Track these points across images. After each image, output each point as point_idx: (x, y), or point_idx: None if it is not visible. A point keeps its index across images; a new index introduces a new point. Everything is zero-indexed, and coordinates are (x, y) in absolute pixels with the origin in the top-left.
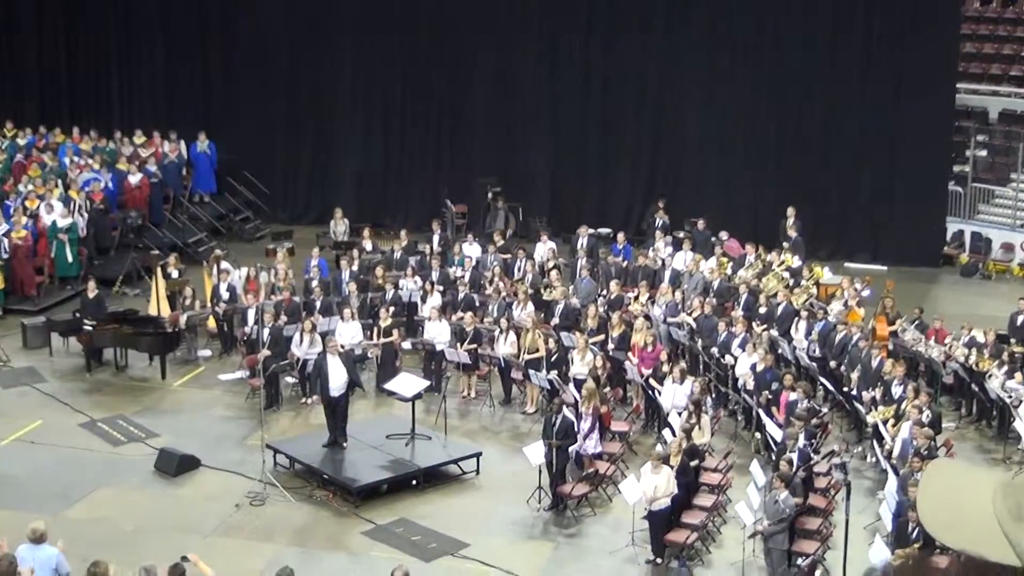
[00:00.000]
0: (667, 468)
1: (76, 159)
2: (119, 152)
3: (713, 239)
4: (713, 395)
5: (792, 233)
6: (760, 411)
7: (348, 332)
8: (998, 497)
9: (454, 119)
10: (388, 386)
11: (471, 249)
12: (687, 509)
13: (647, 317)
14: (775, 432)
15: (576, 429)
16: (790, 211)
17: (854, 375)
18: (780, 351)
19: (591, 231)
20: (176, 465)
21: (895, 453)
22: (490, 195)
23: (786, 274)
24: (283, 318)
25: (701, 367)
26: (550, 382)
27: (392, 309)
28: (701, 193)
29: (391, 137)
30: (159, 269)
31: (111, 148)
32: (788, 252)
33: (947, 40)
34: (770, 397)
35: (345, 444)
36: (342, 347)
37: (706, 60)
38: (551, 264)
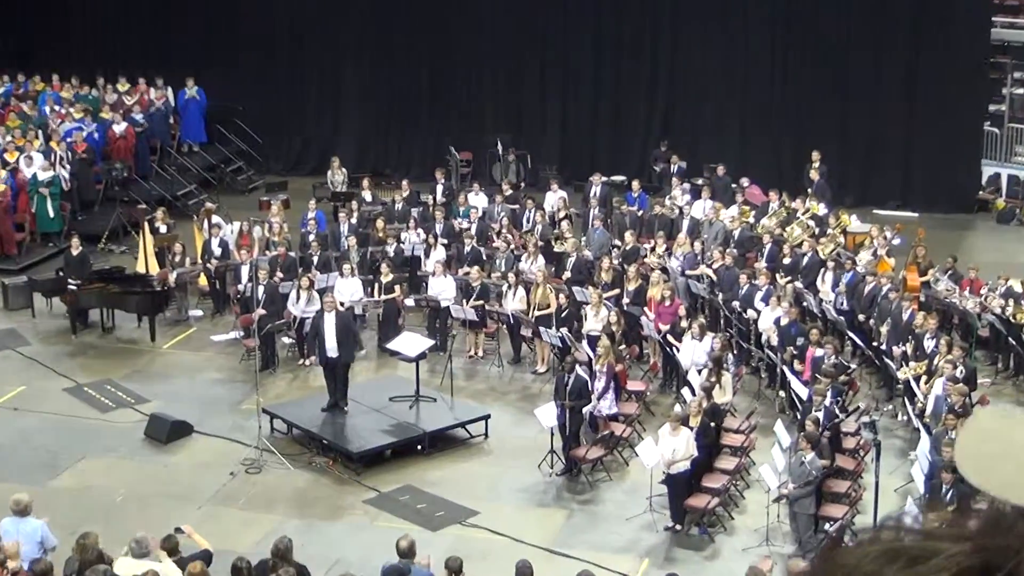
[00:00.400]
0: (686, 429)
1: (57, 108)
2: (102, 100)
3: (734, 186)
4: (735, 351)
5: (816, 178)
6: (784, 368)
7: (348, 289)
8: None
9: (459, 62)
10: (391, 346)
11: (477, 199)
12: (708, 472)
13: (664, 270)
14: (800, 390)
15: (590, 389)
16: (815, 155)
17: (884, 329)
18: (805, 304)
19: (604, 179)
20: (167, 432)
21: (928, 411)
22: (500, 148)
23: (811, 222)
24: (279, 275)
25: (722, 322)
26: (562, 339)
27: (394, 264)
28: (721, 137)
29: (393, 81)
30: (146, 224)
31: (94, 96)
32: (813, 199)
33: None
34: (795, 353)
35: (346, 408)
36: (341, 304)
37: None
38: (562, 214)
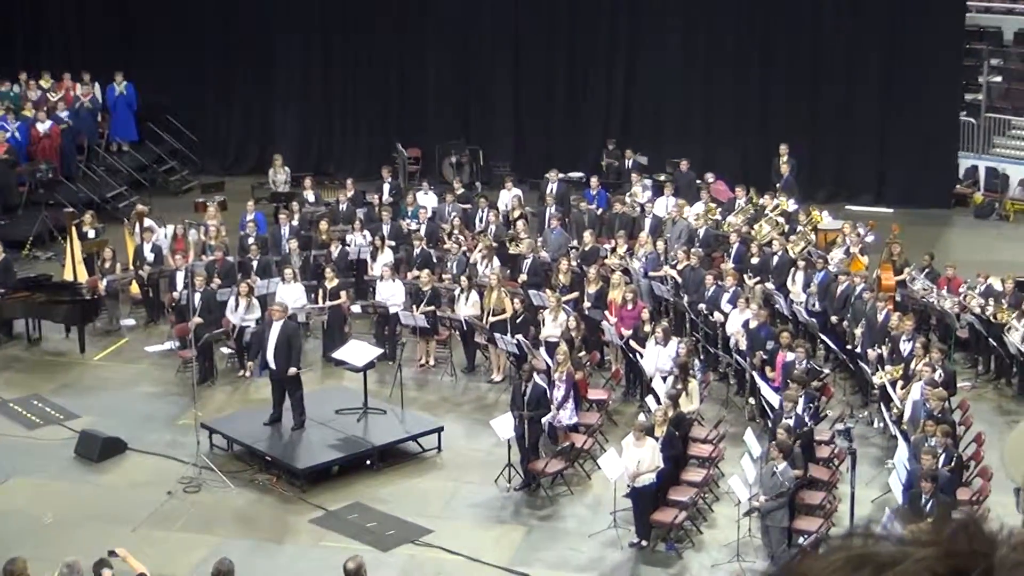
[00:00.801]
0: (651, 440)
1: None
2: (24, 97)
3: (698, 182)
4: (701, 357)
5: (785, 172)
6: (754, 373)
7: (290, 295)
8: None
9: (406, 55)
10: (336, 355)
11: (426, 199)
12: (675, 485)
13: (626, 271)
14: (771, 397)
15: (549, 398)
16: (783, 148)
17: (858, 331)
18: (776, 306)
19: (561, 176)
20: (99, 449)
21: (905, 417)
22: (454, 159)
23: (781, 219)
24: (216, 281)
25: (687, 326)
26: (518, 346)
27: (339, 268)
28: (683, 130)
29: (336, 75)
30: (74, 228)
31: (15, 93)
32: (782, 194)
33: None
34: (765, 358)
35: (297, 426)
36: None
37: None
38: (517, 214)
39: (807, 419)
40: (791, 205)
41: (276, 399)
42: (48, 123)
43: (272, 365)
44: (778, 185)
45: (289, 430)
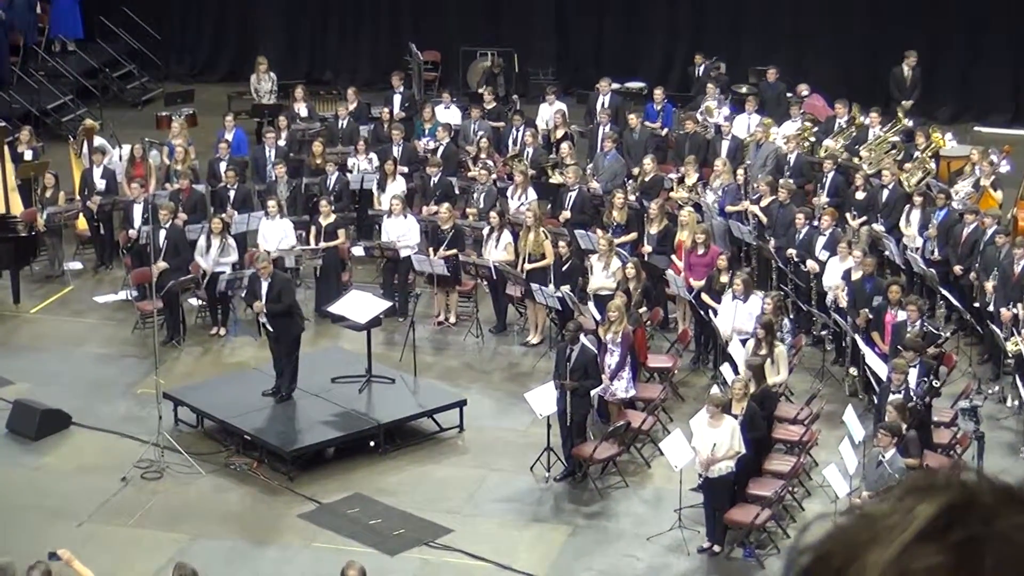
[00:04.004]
0: (729, 419)
1: None
2: None
3: (789, 95)
4: (791, 316)
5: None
6: (857, 337)
7: (274, 234)
8: None
9: None
10: (333, 309)
11: (447, 114)
12: (756, 476)
13: (697, 207)
14: (878, 366)
15: (599, 366)
16: (910, 56)
17: (989, 284)
18: (885, 252)
19: (616, 86)
20: (37, 424)
21: None
22: (482, 65)
23: (895, 139)
24: (183, 215)
25: (774, 276)
26: (562, 300)
27: (337, 201)
28: (770, 31)
29: None
30: (6, 148)
31: None
32: (900, 111)
33: None
34: (871, 317)
35: (285, 393)
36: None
37: None
38: (560, 133)
39: (922, 395)
40: (907, 123)
41: (278, 365)
42: None
43: (270, 328)
44: (905, 102)
45: (273, 402)
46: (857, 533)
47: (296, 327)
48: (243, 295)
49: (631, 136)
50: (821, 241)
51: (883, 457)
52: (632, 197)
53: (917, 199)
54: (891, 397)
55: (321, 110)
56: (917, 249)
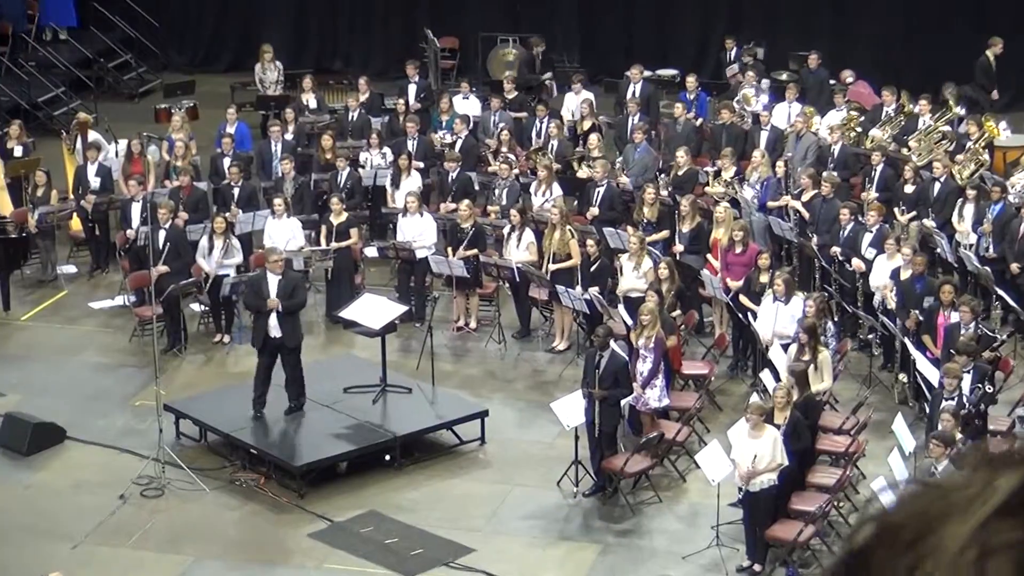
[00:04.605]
0: (771, 428)
1: None
2: None
3: (832, 83)
4: (835, 318)
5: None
6: (907, 341)
7: (281, 234)
8: None
9: None
10: (345, 314)
11: (466, 105)
12: (799, 490)
13: (734, 202)
14: (929, 372)
15: (631, 373)
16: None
17: None
18: (936, 250)
19: (647, 73)
20: (30, 438)
21: None
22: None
23: (946, 129)
24: (184, 215)
25: (817, 276)
26: (589, 303)
27: (349, 198)
28: (811, 14)
29: None
30: None
31: None
32: (951, 98)
33: None
34: (921, 319)
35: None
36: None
37: None
38: (587, 125)
39: (976, 402)
40: (959, 110)
41: (260, 376)
42: None
43: (276, 333)
44: (949, 91)
45: (282, 414)
46: (930, 504)
47: (301, 331)
48: (245, 300)
49: (673, 127)
50: (867, 238)
51: (935, 469)
52: (664, 192)
53: (970, 193)
54: (944, 404)
55: (331, 101)
56: (971, 246)
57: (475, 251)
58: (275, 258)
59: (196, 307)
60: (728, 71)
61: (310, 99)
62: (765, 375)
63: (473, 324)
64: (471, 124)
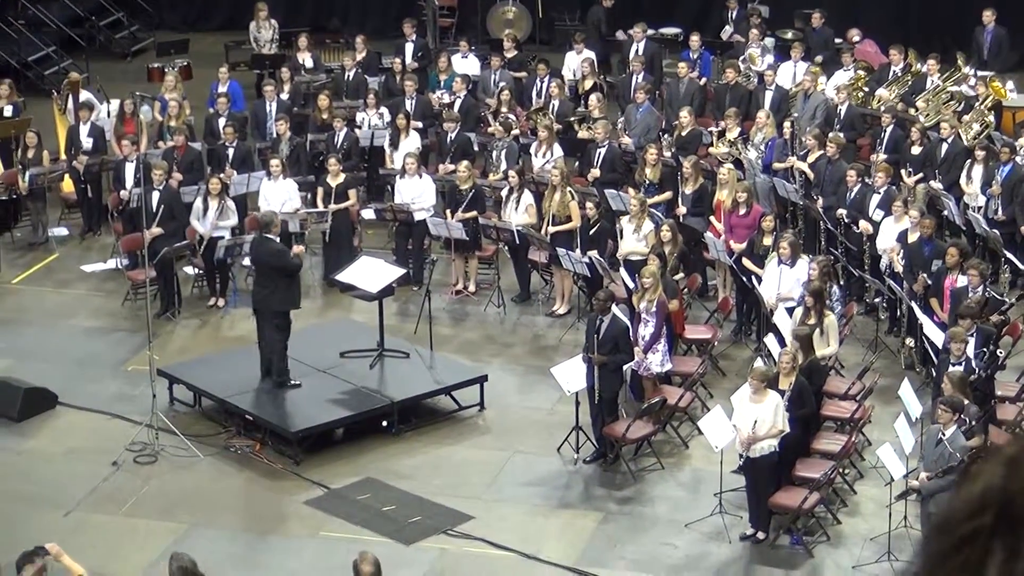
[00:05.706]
0: (774, 394)
1: None
2: None
3: (838, 41)
4: (841, 282)
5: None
6: (914, 305)
7: (277, 195)
8: None
9: None
10: (342, 277)
11: (465, 64)
12: (804, 457)
13: (738, 163)
14: (937, 337)
15: (632, 337)
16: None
17: None
18: (944, 212)
19: (650, 32)
20: (20, 404)
21: None
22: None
23: (955, 89)
24: (177, 175)
25: (822, 239)
26: (590, 266)
27: (345, 159)
28: None
29: None
30: None
31: None
32: (960, 58)
33: None
34: (929, 283)
35: (292, 382)
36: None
37: None
38: (588, 84)
39: (983, 366)
40: (968, 71)
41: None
42: None
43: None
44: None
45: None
46: None
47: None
48: (244, 262)
49: (677, 86)
50: (874, 200)
51: (943, 435)
52: (667, 153)
53: (979, 154)
54: (950, 369)
55: (327, 60)
56: (979, 208)
57: (474, 213)
58: (274, 223)
59: (190, 270)
60: (723, 33)
61: (306, 58)
62: (769, 339)
63: (472, 288)
64: (470, 84)
